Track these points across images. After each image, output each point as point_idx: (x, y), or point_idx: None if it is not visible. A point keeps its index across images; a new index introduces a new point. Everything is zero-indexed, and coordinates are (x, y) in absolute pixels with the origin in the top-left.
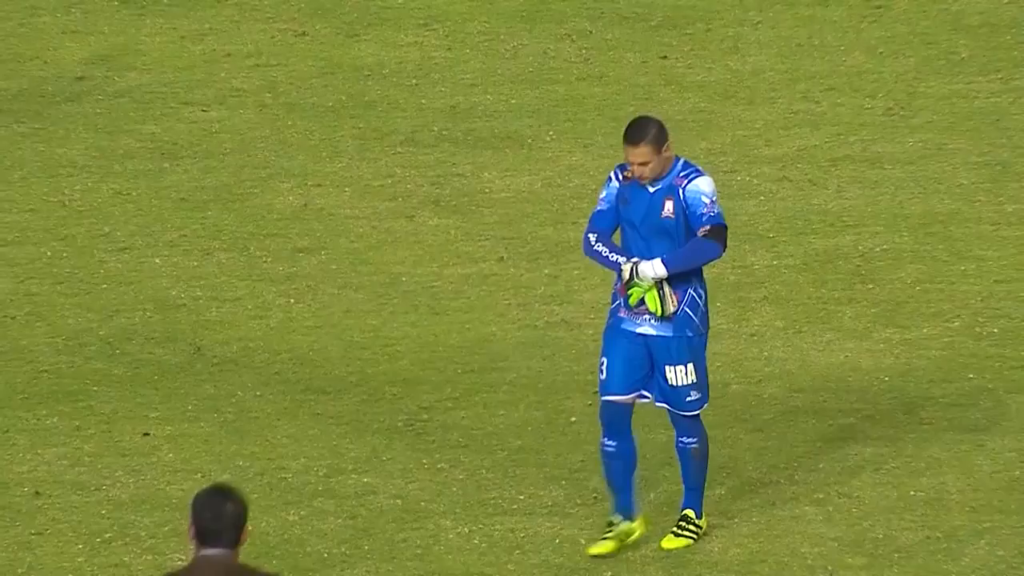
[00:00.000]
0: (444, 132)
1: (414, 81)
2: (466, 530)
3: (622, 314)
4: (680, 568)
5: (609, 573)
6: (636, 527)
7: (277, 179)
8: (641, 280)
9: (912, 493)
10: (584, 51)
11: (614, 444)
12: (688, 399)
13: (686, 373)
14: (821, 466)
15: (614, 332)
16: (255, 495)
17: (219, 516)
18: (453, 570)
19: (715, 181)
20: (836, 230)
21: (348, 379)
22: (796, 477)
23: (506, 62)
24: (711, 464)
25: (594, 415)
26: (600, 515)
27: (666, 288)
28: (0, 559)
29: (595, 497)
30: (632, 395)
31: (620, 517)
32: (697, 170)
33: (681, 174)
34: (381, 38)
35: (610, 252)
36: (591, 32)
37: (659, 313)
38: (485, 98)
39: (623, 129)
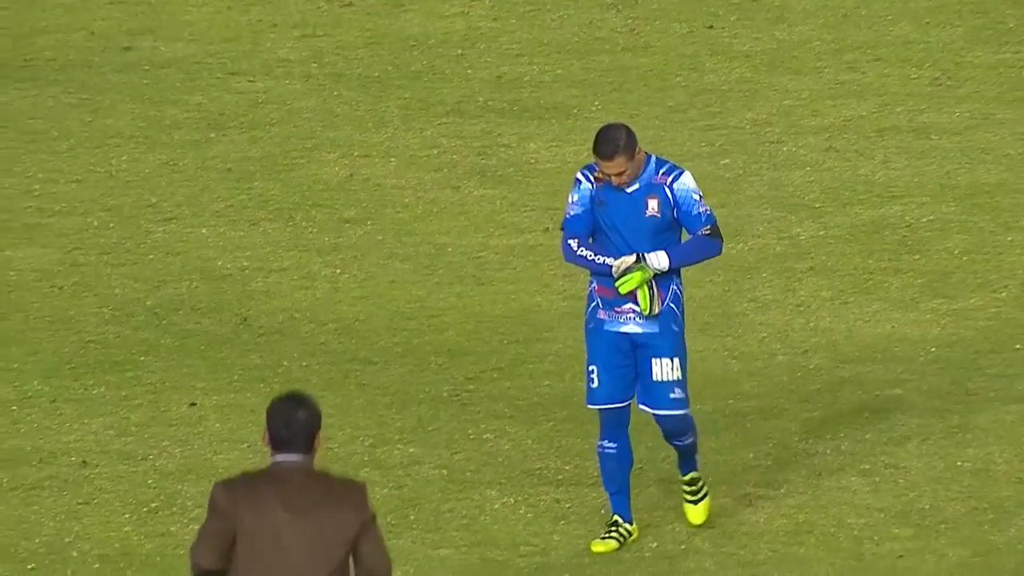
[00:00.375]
0: (490, 102)
1: (459, 51)
2: (512, 500)
3: (602, 315)
4: (726, 539)
5: (655, 544)
6: (635, 530)
7: (323, 149)
8: (644, 268)
9: (959, 464)
10: (630, 21)
11: (614, 447)
12: (672, 396)
13: (671, 368)
14: (867, 437)
15: (598, 336)
16: None
17: (291, 423)
18: (499, 540)
19: (758, 152)
20: (883, 200)
21: (394, 349)
22: (842, 448)
23: (552, 32)
24: (757, 434)
25: None
26: (644, 486)
27: (655, 288)
28: (48, 528)
29: (640, 468)
30: (627, 401)
31: (622, 518)
32: (676, 167)
33: (661, 172)
34: (427, 8)
35: (595, 255)
36: (637, 2)
37: (647, 311)
38: (531, 68)
39: (594, 139)
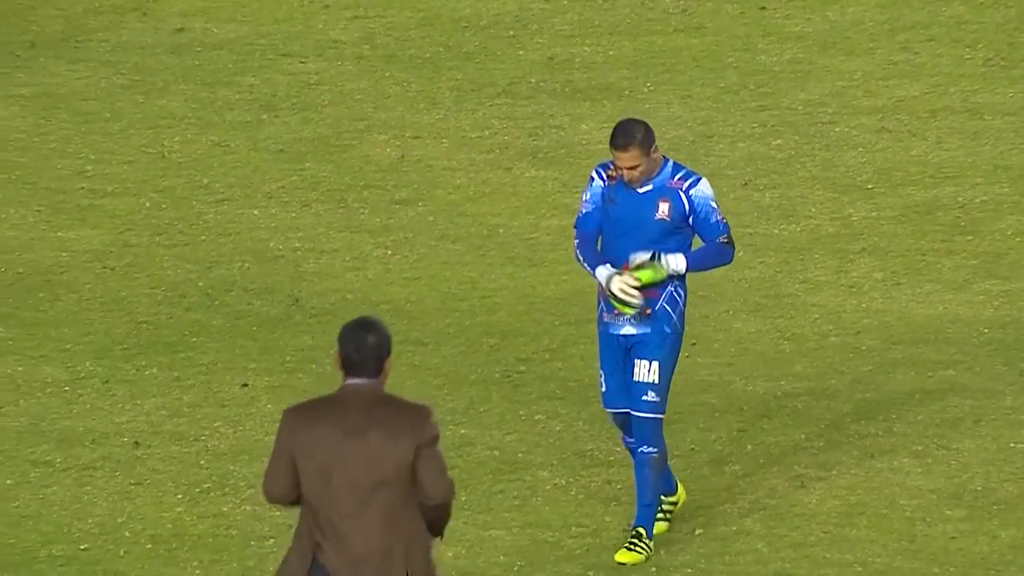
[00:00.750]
0: (541, 84)
1: (511, 32)
2: (563, 481)
3: (606, 319)
4: (777, 520)
5: (706, 525)
6: (679, 496)
7: (375, 131)
8: (657, 268)
9: (1012, 445)
10: (682, 1)
11: (633, 440)
12: (644, 398)
13: (649, 371)
14: (920, 418)
15: (604, 340)
16: None
17: (361, 347)
18: (550, 521)
19: (810, 133)
20: (936, 181)
21: (445, 331)
22: (895, 429)
23: (604, 13)
24: (809, 416)
25: (693, 368)
26: (698, 466)
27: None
28: (100, 509)
29: (692, 449)
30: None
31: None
32: (693, 173)
33: (677, 177)
34: None
35: (585, 263)
36: None
37: (628, 313)
38: (583, 49)
39: (612, 131)
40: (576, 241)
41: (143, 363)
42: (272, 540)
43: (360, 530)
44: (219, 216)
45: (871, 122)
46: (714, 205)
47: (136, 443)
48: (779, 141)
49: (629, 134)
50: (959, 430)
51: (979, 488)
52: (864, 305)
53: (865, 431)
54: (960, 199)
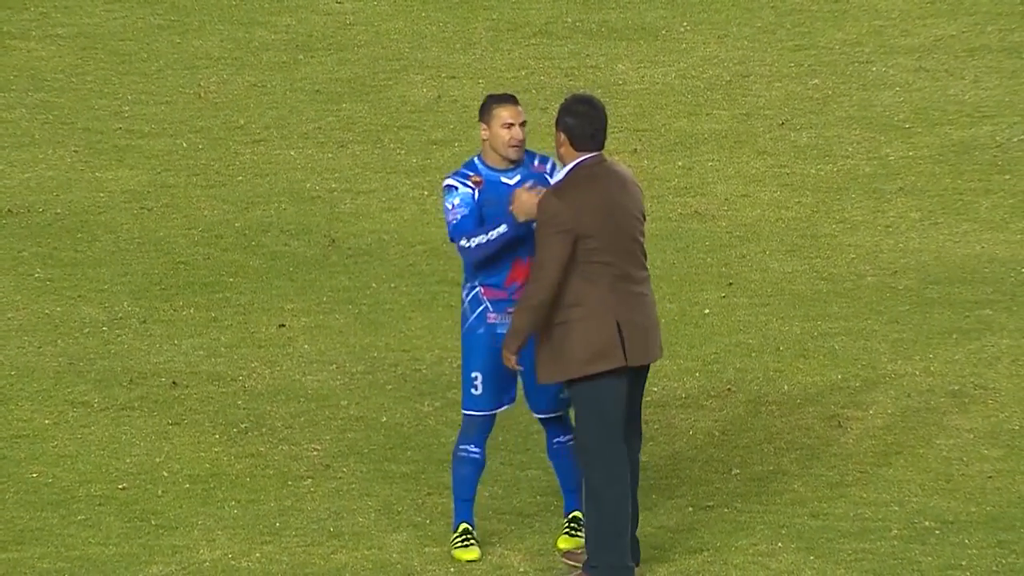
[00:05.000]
0: (578, 23)
1: None
2: None
3: (492, 319)
4: (814, 460)
5: (743, 466)
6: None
7: (411, 71)
8: None
9: None
10: None
11: (478, 451)
12: (562, 395)
13: None
14: (957, 358)
15: (489, 340)
16: (389, 386)
17: (593, 121)
18: None
19: (847, 73)
20: (973, 120)
21: None
22: (932, 369)
23: None
24: (846, 356)
25: (730, 308)
26: (734, 406)
27: None
28: (138, 448)
29: (729, 389)
30: (503, 408)
31: (472, 526)
32: (538, 154)
33: (537, 161)
34: None
35: (489, 231)
36: None
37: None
38: None
39: (493, 98)
40: (464, 242)
41: (180, 303)
42: (309, 480)
43: (644, 279)
44: (255, 157)
45: (908, 61)
46: None
47: (173, 383)
48: (816, 80)
49: (513, 96)
50: (996, 369)
51: (1016, 427)
52: (901, 245)
53: (902, 371)
54: (997, 138)
